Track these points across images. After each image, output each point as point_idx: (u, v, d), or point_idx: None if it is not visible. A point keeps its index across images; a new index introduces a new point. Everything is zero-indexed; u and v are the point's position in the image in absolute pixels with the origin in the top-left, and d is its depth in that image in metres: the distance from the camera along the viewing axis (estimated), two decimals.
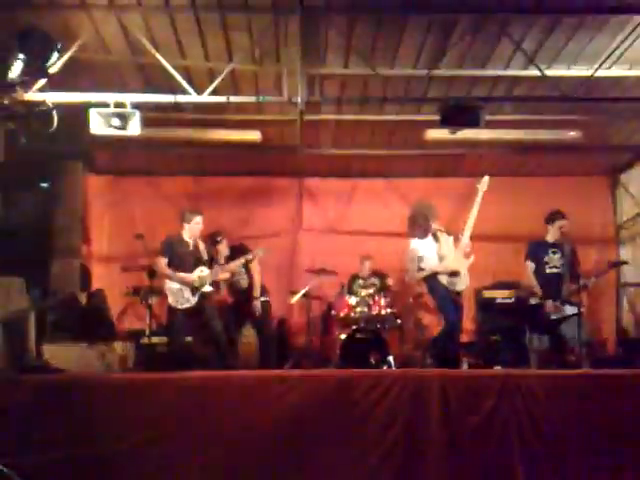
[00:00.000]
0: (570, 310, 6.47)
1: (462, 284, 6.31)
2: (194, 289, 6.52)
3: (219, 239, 7.37)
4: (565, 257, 6.59)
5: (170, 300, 6.55)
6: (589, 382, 4.80)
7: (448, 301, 6.27)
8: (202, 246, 6.78)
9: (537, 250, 6.80)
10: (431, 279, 6.34)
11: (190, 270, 6.56)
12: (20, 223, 7.42)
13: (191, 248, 6.68)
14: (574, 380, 4.85)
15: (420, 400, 4.59)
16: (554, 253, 6.71)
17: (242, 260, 7.13)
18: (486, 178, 6.33)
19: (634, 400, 4.62)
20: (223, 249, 7.43)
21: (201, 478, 4.41)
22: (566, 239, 6.68)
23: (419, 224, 6.33)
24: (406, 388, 4.63)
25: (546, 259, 6.73)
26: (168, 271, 6.54)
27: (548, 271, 6.70)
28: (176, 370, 5.70)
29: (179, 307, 6.52)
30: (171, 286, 6.54)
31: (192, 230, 6.67)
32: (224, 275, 7.19)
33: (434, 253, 6.32)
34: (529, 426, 4.58)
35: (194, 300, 6.52)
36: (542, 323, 6.65)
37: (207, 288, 6.58)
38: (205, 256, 6.75)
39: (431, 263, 6.32)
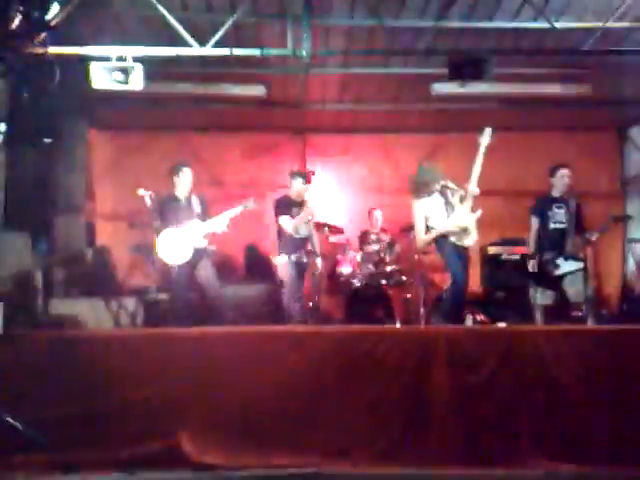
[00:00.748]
0: (574, 265, 6.44)
1: (470, 240, 6.25)
2: (186, 244, 6.38)
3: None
4: (570, 212, 6.54)
5: (165, 258, 6.47)
6: (593, 337, 4.77)
7: (455, 259, 6.23)
8: (196, 200, 6.63)
9: (542, 205, 6.74)
10: (438, 237, 6.31)
11: (184, 225, 6.45)
12: (24, 180, 7.39)
13: (184, 204, 6.56)
14: (577, 336, 4.84)
15: (425, 356, 4.59)
16: (559, 208, 6.64)
17: (231, 212, 6.71)
18: (488, 130, 6.12)
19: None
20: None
21: (212, 430, 4.44)
22: (571, 194, 6.62)
23: (421, 187, 6.26)
24: (411, 344, 4.63)
25: (550, 214, 6.66)
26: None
27: (552, 226, 6.64)
28: (179, 326, 5.77)
29: (175, 263, 6.41)
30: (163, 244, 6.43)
31: (182, 183, 6.58)
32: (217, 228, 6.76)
33: (442, 210, 6.27)
34: (534, 382, 4.56)
35: (188, 255, 6.39)
36: (545, 278, 6.63)
37: (200, 243, 6.45)
38: (198, 210, 6.58)
39: (438, 221, 6.27)
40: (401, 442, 4.44)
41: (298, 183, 6.89)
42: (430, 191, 6.14)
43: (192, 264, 6.43)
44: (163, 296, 7.33)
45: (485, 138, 6.08)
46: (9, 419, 4.13)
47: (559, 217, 6.62)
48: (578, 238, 6.50)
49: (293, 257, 6.81)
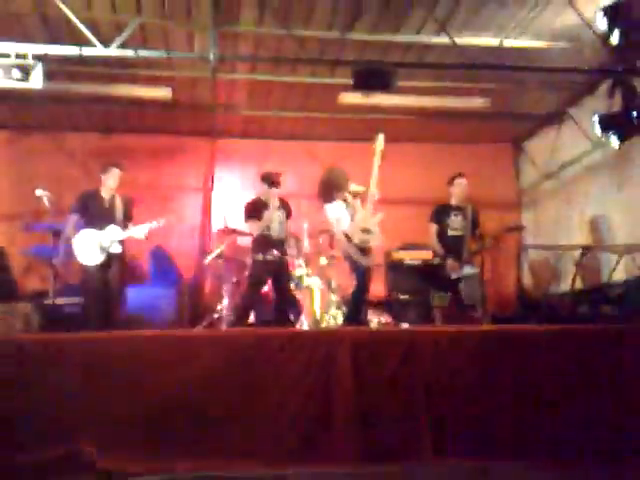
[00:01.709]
0: (470, 270, 6.78)
1: (375, 240, 6.42)
2: (102, 248, 6.44)
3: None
4: (466, 220, 6.86)
5: (79, 257, 6.47)
6: (488, 337, 4.94)
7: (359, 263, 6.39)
8: (119, 203, 6.65)
9: (440, 213, 7.06)
10: (343, 241, 6.45)
11: (102, 227, 6.47)
12: None
13: (106, 205, 6.59)
14: (474, 335, 5.05)
15: (332, 356, 4.65)
16: (456, 216, 6.98)
17: (147, 226, 6.74)
18: (381, 136, 6.32)
19: (532, 355, 4.78)
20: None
21: (115, 436, 4.31)
22: (469, 202, 6.95)
23: (331, 190, 6.40)
24: (318, 345, 4.69)
25: (448, 221, 6.99)
26: (69, 231, 6.49)
27: (450, 233, 6.97)
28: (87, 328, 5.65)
29: (88, 264, 6.45)
30: (79, 243, 6.45)
31: (108, 183, 6.59)
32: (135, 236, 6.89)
33: (345, 213, 6.42)
34: (435, 381, 4.68)
35: (101, 258, 6.46)
36: (443, 282, 6.92)
37: (115, 248, 6.50)
38: (120, 214, 6.61)
39: (343, 225, 6.41)
40: (306, 442, 4.46)
41: (265, 186, 6.79)
42: (341, 194, 6.29)
43: (104, 266, 6.49)
44: (60, 300, 7.15)
45: (379, 143, 6.29)
46: None
47: (456, 224, 6.94)
48: (474, 244, 6.82)
49: (262, 256, 6.71)
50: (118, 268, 6.62)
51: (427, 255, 7.47)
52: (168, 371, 4.49)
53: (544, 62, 6.94)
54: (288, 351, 4.63)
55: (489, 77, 7.34)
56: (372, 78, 5.99)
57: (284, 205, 6.87)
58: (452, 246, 6.88)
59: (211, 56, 6.05)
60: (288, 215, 6.93)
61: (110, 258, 6.51)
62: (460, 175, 7.08)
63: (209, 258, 7.93)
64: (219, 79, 6.99)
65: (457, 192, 7.01)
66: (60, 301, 7.12)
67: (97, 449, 4.23)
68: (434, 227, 7.05)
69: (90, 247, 6.46)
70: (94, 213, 6.54)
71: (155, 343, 4.69)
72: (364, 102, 6.95)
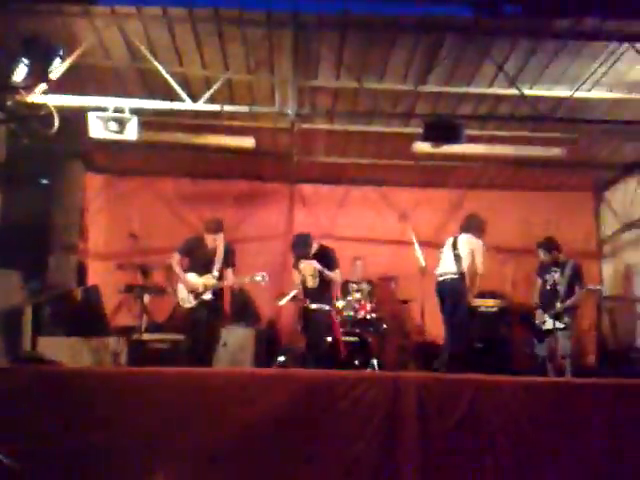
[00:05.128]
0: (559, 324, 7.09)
1: None
2: (196, 294, 6.73)
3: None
4: (563, 276, 7.21)
5: (177, 297, 6.84)
6: (562, 391, 4.96)
7: None
8: (221, 251, 6.86)
9: (541, 268, 7.53)
10: None
11: (201, 273, 6.78)
12: (20, 219, 7.63)
13: (209, 252, 6.83)
14: (546, 388, 5.05)
15: (397, 400, 4.74)
16: (555, 272, 7.33)
17: (245, 279, 7.12)
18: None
19: (609, 410, 4.74)
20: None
21: (185, 469, 4.55)
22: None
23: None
24: (383, 389, 4.78)
25: (547, 277, 7.37)
26: (176, 269, 6.82)
27: (548, 287, 7.34)
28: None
29: (183, 305, 6.80)
30: (179, 284, 6.82)
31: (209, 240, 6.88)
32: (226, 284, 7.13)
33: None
34: (501, 432, 4.71)
35: (194, 303, 6.74)
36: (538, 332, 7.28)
37: (207, 296, 6.74)
38: (220, 263, 6.83)
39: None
40: None
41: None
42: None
43: (195, 310, 6.75)
44: (148, 336, 7.54)
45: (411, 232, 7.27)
46: None
47: (554, 279, 7.33)
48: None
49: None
50: (210, 312, 6.79)
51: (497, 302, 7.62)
52: (235, 409, 4.67)
53: (620, 113, 6.94)
54: (356, 392, 4.72)
55: (565, 127, 7.36)
56: (441, 131, 6.20)
57: None
58: (546, 299, 7.25)
59: (289, 111, 6.39)
60: None
61: (201, 305, 6.74)
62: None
63: (284, 300, 8.19)
64: (298, 129, 7.33)
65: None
66: (147, 337, 7.53)
67: None
68: (538, 281, 7.52)
69: (186, 291, 6.76)
70: (197, 258, 6.84)
71: (234, 381, 4.90)
72: (437, 150, 7.11)
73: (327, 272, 7.06)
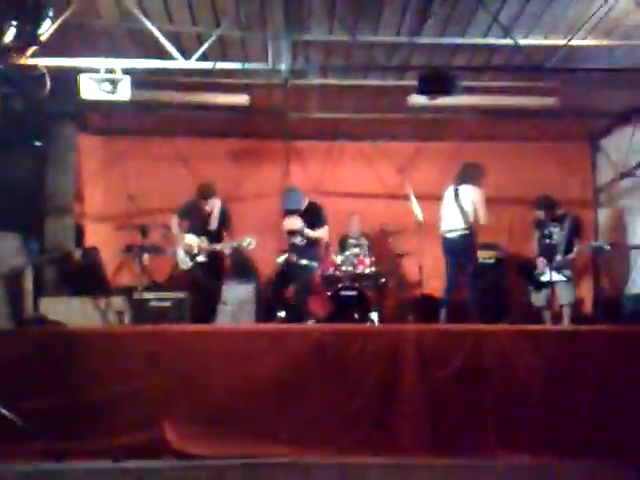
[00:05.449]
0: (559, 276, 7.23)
1: None
2: (191, 255, 6.92)
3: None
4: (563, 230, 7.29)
5: (176, 258, 7.02)
6: (560, 338, 5.09)
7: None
8: (216, 215, 7.05)
9: (540, 223, 7.60)
10: None
11: (200, 234, 6.97)
12: (14, 182, 7.63)
13: (205, 214, 7.04)
14: (543, 335, 5.15)
15: (396, 352, 4.87)
16: (555, 226, 7.41)
17: (234, 244, 7.16)
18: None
19: (604, 355, 4.90)
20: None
21: (196, 422, 4.70)
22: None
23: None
24: (383, 341, 4.92)
25: (546, 231, 7.46)
26: (175, 231, 7.06)
27: (547, 241, 7.42)
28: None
29: (180, 267, 6.99)
30: (177, 246, 7.02)
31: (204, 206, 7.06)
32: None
33: None
34: (500, 379, 4.85)
35: (189, 264, 6.94)
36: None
37: (201, 258, 6.93)
38: (214, 226, 7.03)
39: None
40: (371, 433, 4.72)
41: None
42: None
43: (192, 270, 6.94)
44: (149, 295, 7.61)
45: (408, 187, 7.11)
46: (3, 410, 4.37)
47: (554, 234, 7.42)
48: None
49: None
50: (206, 272, 6.97)
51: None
52: (246, 364, 4.83)
53: (613, 61, 6.88)
54: (356, 345, 4.87)
55: (558, 77, 7.31)
56: (436, 83, 6.16)
57: None
58: (546, 252, 7.32)
59: (283, 66, 6.35)
60: None
61: (196, 266, 6.94)
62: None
63: (281, 258, 8.24)
64: (291, 85, 7.28)
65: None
66: (148, 295, 7.59)
67: (177, 434, 4.62)
68: (536, 233, 7.59)
69: (182, 252, 6.97)
70: (195, 220, 7.05)
71: (235, 336, 5.08)
72: (433, 103, 7.07)
73: (307, 230, 7.21)
